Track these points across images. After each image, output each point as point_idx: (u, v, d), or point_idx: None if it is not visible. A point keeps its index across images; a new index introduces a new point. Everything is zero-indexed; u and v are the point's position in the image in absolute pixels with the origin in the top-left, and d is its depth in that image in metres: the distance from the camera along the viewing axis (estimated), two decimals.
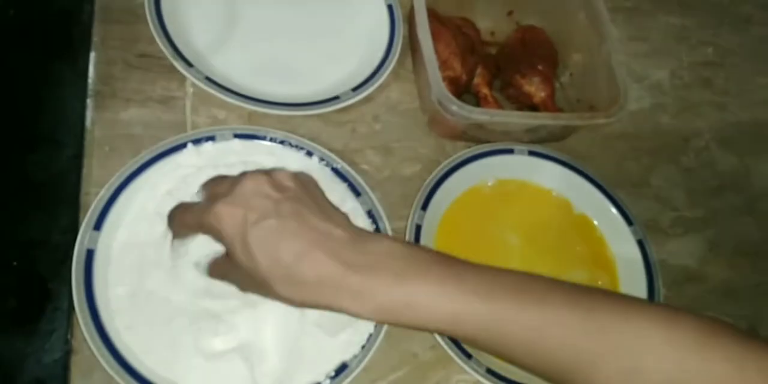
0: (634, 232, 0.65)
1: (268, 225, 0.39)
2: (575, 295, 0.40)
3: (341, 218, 0.42)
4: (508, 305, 0.39)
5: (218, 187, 0.44)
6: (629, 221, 0.66)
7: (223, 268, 0.45)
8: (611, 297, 0.42)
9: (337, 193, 0.58)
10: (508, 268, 0.42)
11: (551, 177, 0.67)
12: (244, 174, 0.42)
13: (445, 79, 0.65)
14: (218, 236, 0.41)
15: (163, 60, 0.60)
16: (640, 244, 0.65)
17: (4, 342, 0.48)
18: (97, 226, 0.51)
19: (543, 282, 0.42)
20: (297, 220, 0.39)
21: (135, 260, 0.51)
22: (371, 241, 0.40)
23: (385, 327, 0.53)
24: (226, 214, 0.39)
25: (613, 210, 0.66)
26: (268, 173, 0.42)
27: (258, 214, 0.39)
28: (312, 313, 0.51)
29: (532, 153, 0.67)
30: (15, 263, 0.50)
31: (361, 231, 0.42)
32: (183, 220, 0.46)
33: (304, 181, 0.44)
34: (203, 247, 0.47)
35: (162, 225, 0.52)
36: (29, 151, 0.54)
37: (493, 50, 0.75)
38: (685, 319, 0.38)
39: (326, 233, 0.39)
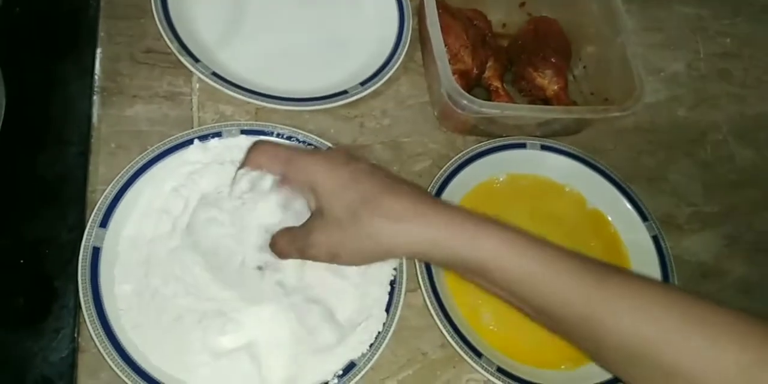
0: (649, 228, 0.64)
1: (361, 164, 0.45)
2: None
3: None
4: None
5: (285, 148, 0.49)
6: (644, 217, 0.64)
7: (292, 235, 0.47)
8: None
9: None
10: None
11: (564, 172, 0.66)
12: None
13: (455, 72, 0.64)
14: (311, 181, 0.45)
15: (170, 56, 0.60)
16: (655, 239, 0.64)
17: (12, 340, 0.47)
18: (104, 223, 0.51)
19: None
20: (380, 174, 0.45)
21: (141, 257, 0.51)
22: (440, 202, 0.46)
23: (394, 325, 0.52)
24: (321, 159, 0.45)
25: (628, 205, 0.65)
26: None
27: (348, 160, 0.45)
28: (321, 312, 0.51)
29: (544, 147, 0.66)
30: (22, 261, 0.50)
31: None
32: (275, 158, 0.48)
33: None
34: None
35: (167, 222, 0.52)
36: (36, 149, 0.54)
37: (504, 42, 0.73)
38: None
39: (407, 182, 0.45)
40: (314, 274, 0.52)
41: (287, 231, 0.47)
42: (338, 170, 0.44)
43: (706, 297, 0.39)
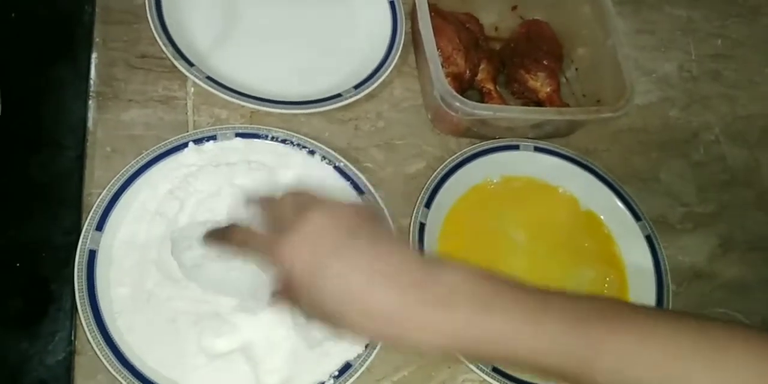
0: (643, 228, 0.64)
1: (339, 264, 0.37)
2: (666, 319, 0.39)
3: (408, 248, 0.42)
4: (600, 334, 0.37)
5: (280, 214, 0.41)
6: (637, 217, 0.65)
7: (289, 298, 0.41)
8: (701, 321, 0.40)
9: (339, 191, 0.57)
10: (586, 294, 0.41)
11: (557, 173, 0.66)
12: (305, 204, 0.40)
13: (448, 75, 0.64)
14: (286, 274, 0.39)
15: (164, 60, 0.60)
16: (649, 240, 0.64)
17: (8, 343, 0.47)
18: (99, 226, 0.51)
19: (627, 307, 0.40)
20: (367, 256, 0.38)
21: (136, 260, 0.51)
22: (445, 271, 0.38)
23: None
24: (296, 253, 0.38)
25: (621, 206, 0.65)
26: (331, 206, 0.40)
27: (328, 252, 0.38)
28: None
29: (537, 149, 0.66)
30: (18, 264, 0.50)
31: (432, 260, 0.40)
32: (245, 243, 0.42)
33: (368, 212, 0.42)
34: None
35: (162, 224, 0.52)
36: (31, 153, 0.54)
37: (497, 45, 0.74)
38: None
39: (398, 266, 0.38)
40: None
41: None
42: (316, 274, 0.37)
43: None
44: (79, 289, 0.49)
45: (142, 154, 0.55)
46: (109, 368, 0.47)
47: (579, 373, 0.37)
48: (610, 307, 0.39)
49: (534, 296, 0.38)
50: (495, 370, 0.53)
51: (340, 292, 0.37)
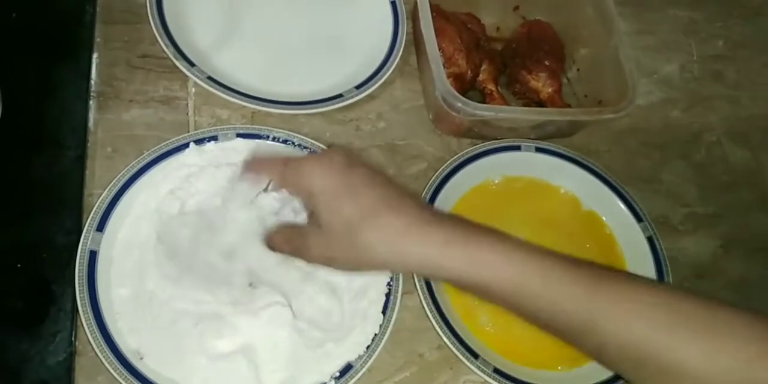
0: (644, 229, 0.64)
1: (360, 171, 0.43)
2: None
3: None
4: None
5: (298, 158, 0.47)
6: (639, 218, 0.65)
7: (289, 235, 0.46)
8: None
9: None
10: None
11: (559, 173, 0.66)
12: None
13: (449, 75, 0.64)
14: (308, 186, 0.43)
15: (166, 60, 0.60)
16: (650, 240, 0.64)
17: (9, 344, 0.48)
18: (100, 227, 0.51)
19: None
20: (381, 175, 0.44)
21: (136, 261, 0.51)
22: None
23: (391, 327, 0.53)
24: (318, 165, 0.43)
25: (623, 206, 0.65)
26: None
27: (346, 166, 0.43)
28: (316, 316, 0.51)
29: (539, 149, 0.66)
30: (19, 265, 0.50)
31: None
32: (276, 171, 0.46)
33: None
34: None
35: (161, 222, 0.52)
36: (32, 153, 0.54)
37: (498, 46, 0.74)
38: None
39: (406, 193, 0.43)
40: (310, 281, 0.52)
41: (284, 229, 0.47)
42: (335, 178, 0.42)
43: (700, 293, 0.39)
44: (79, 289, 0.49)
45: (143, 155, 0.55)
46: (110, 369, 0.46)
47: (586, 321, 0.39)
48: (608, 274, 0.41)
49: (523, 248, 0.42)
50: (496, 370, 0.53)
51: (356, 210, 0.41)
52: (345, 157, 0.44)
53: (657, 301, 0.39)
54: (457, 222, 0.43)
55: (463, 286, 0.42)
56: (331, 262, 0.44)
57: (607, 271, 0.42)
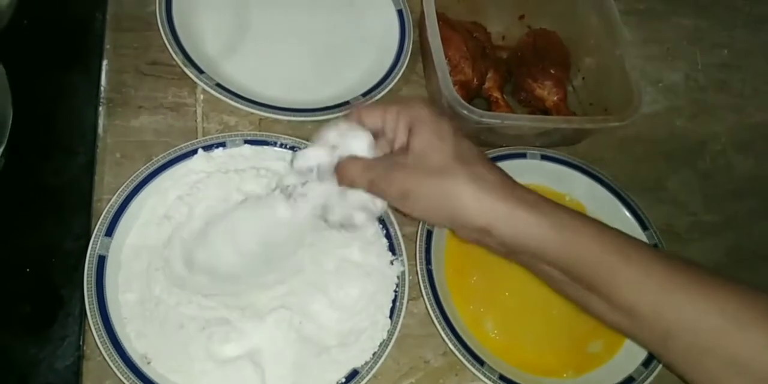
0: (650, 237, 0.64)
1: (451, 123, 0.44)
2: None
3: None
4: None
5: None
6: (644, 226, 0.65)
7: (369, 165, 0.45)
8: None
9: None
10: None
11: (565, 181, 0.66)
12: None
13: (455, 83, 0.65)
14: (416, 114, 0.44)
15: (174, 67, 0.61)
16: (656, 248, 0.64)
17: (17, 348, 0.48)
18: (109, 232, 0.52)
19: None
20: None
21: (144, 266, 0.51)
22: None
23: (396, 334, 0.53)
24: (428, 107, 0.45)
25: (628, 214, 0.65)
26: None
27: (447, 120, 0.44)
28: (323, 321, 0.51)
29: (545, 157, 0.66)
30: (28, 270, 0.51)
31: None
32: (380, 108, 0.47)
33: None
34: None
35: (171, 230, 0.52)
36: (42, 159, 0.55)
37: (504, 54, 0.74)
38: None
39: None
40: (318, 287, 0.52)
41: (359, 160, 0.45)
42: (443, 120, 0.44)
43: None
44: (88, 294, 0.49)
45: (152, 161, 0.55)
46: (117, 373, 0.47)
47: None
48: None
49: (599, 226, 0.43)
50: (502, 377, 0.53)
51: (456, 153, 0.42)
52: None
53: (719, 290, 0.41)
54: (543, 199, 0.44)
55: (534, 252, 0.43)
56: (404, 198, 0.43)
57: (674, 257, 0.43)
